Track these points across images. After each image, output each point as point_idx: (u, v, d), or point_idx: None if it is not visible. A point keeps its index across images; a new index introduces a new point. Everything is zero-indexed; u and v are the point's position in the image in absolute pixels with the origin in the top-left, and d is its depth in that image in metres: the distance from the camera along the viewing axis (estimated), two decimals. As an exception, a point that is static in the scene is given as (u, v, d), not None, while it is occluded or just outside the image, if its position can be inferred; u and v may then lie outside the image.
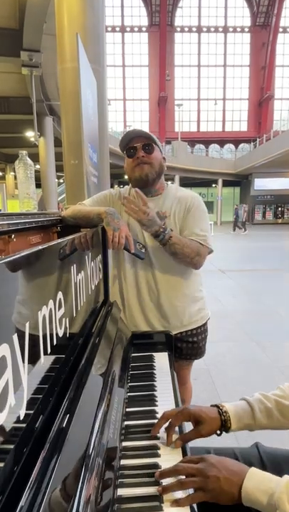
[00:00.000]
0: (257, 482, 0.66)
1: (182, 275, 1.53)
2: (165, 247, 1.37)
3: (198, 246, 1.43)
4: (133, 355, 1.36)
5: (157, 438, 0.86)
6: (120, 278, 1.57)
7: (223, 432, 0.87)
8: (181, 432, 0.87)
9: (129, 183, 1.56)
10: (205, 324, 1.64)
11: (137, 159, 1.43)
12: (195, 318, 1.58)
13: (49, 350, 0.66)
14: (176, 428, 0.87)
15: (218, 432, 0.86)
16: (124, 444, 0.84)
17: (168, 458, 0.79)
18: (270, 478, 0.67)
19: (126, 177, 1.57)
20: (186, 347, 1.59)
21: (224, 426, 0.85)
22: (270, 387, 0.94)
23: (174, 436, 0.85)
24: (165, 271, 1.50)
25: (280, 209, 28.25)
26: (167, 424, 0.86)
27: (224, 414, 0.85)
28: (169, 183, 1.66)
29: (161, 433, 0.86)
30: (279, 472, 0.69)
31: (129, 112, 37.97)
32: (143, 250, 1.40)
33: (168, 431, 0.84)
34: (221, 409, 0.86)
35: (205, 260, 1.49)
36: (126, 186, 1.65)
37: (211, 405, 0.88)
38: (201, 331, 1.61)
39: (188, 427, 0.88)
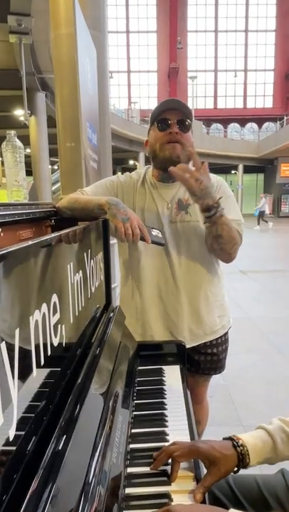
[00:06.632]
0: None
1: (206, 275, 1.53)
2: (212, 227, 1.36)
3: (237, 233, 1.44)
4: (139, 368, 1.36)
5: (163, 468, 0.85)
6: (131, 278, 1.57)
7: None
8: (195, 464, 0.86)
9: (152, 163, 1.54)
10: (226, 333, 1.64)
11: (170, 134, 1.41)
12: (218, 326, 1.58)
13: (42, 363, 0.67)
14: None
15: (236, 469, 0.85)
16: (130, 470, 0.84)
17: (179, 487, 0.79)
18: None
19: (131, 162, 1.55)
20: (204, 360, 1.59)
21: (242, 461, 0.84)
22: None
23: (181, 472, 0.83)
24: (187, 270, 1.50)
25: (311, 199, 28.07)
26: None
27: (241, 448, 0.84)
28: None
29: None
30: None
31: (135, 86, 37.96)
32: (160, 235, 1.37)
33: (172, 467, 0.82)
34: (237, 443, 0.84)
35: None
36: (137, 170, 1.63)
37: (224, 438, 0.87)
38: (222, 341, 1.62)
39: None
